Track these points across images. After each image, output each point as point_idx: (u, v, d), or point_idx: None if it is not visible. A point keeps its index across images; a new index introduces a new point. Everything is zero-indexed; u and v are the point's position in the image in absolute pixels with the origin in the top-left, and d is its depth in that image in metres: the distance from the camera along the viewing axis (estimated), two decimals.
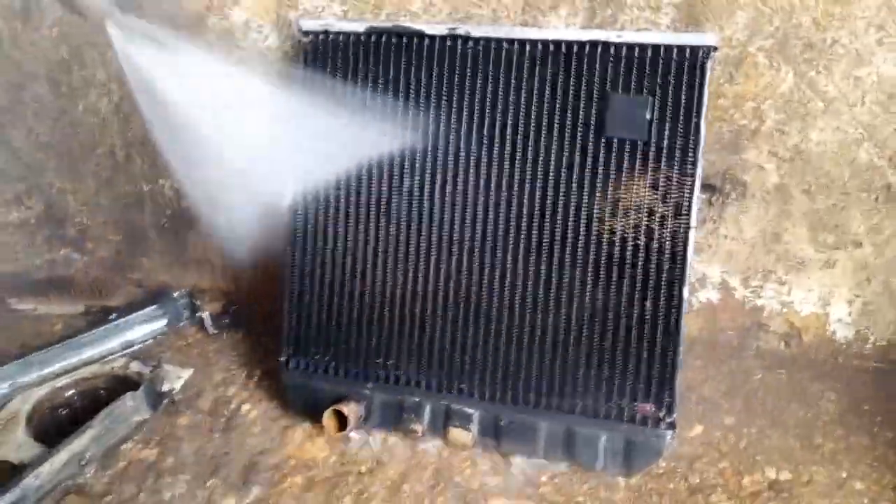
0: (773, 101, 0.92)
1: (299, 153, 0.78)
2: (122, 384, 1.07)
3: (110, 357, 1.11)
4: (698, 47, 0.83)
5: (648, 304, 0.88)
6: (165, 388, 1.05)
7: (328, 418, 0.95)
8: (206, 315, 1.16)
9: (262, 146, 0.76)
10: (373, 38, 0.94)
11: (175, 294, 1.18)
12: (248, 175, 0.75)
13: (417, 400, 0.96)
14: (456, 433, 0.95)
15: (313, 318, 0.99)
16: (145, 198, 1.20)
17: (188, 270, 1.24)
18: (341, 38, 0.95)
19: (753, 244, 1.01)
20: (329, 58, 0.96)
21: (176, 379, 1.07)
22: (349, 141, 0.81)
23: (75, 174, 1.22)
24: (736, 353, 1.11)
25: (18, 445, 0.96)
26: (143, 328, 1.15)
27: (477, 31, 0.90)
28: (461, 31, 0.90)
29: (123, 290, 1.28)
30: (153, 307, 1.17)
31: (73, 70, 1.15)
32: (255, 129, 0.73)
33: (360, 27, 0.94)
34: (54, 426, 1.03)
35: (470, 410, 0.94)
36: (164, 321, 1.17)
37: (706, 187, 0.98)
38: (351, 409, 0.95)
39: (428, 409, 0.96)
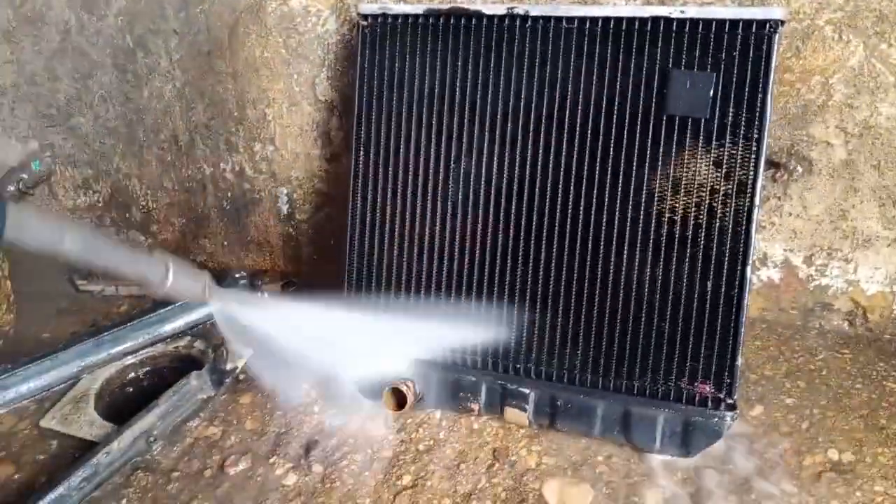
0: (841, 75, 0.89)
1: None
2: (186, 363, 1.11)
3: (175, 336, 1.14)
4: (765, 21, 0.81)
5: (710, 283, 0.87)
6: (229, 366, 1.08)
7: (387, 396, 0.97)
8: (266, 295, 1.19)
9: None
10: (431, 20, 0.94)
11: (236, 275, 1.20)
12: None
13: (474, 379, 0.97)
14: (512, 413, 0.96)
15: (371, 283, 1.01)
16: (207, 181, 1.23)
17: (249, 252, 1.26)
18: (400, 20, 0.96)
19: (819, 221, 0.99)
20: (388, 40, 0.96)
21: (238, 358, 1.09)
22: None
23: (140, 159, 1.25)
24: (798, 333, 1.09)
25: (90, 423, 1.00)
26: (206, 309, 1.17)
27: (536, 10, 0.89)
28: (520, 10, 0.89)
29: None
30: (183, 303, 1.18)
31: (138, 57, 1.18)
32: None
33: (418, 9, 0.94)
34: (123, 404, 1.08)
35: (526, 390, 0.95)
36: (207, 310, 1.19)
37: (770, 164, 0.96)
38: (409, 388, 0.97)
39: (484, 388, 0.97)
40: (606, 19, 0.87)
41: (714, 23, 0.83)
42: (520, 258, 0.94)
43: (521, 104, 0.91)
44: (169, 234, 1.30)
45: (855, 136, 0.92)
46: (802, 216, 0.99)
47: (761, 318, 1.12)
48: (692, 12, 0.83)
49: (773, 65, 0.81)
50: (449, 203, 0.96)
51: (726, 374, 0.88)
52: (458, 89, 0.94)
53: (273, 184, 1.19)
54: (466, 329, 0.96)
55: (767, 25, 0.81)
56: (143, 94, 1.19)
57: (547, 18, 0.89)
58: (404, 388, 0.96)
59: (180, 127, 1.19)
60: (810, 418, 0.97)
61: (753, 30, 0.82)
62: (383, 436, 0.98)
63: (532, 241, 0.93)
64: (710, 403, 0.89)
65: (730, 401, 0.88)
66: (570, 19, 0.88)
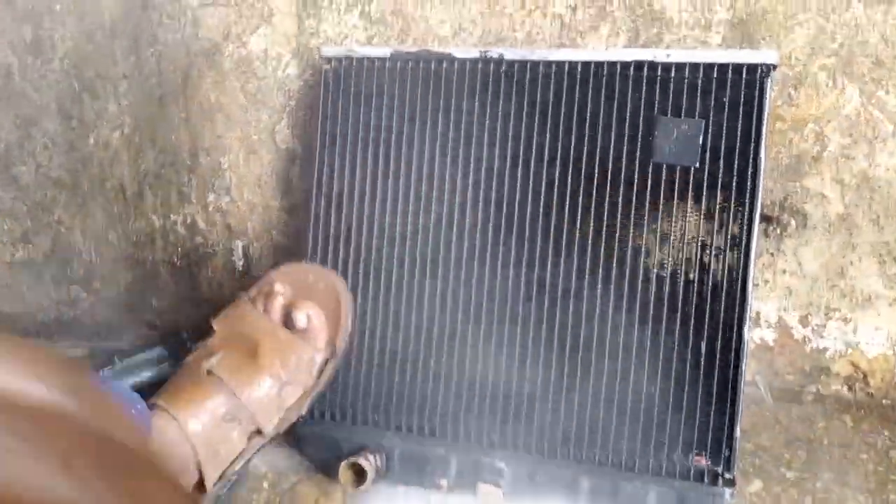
0: (836, 124, 0.84)
1: None
2: None
3: None
4: (756, 65, 0.75)
5: (703, 345, 0.80)
6: None
7: (344, 471, 0.87)
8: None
9: None
10: (399, 64, 0.87)
11: (184, 335, 1.11)
12: None
13: (442, 451, 0.87)
14: (486, 490, 0.86)
15: None
16: (156, 234, 1.14)
17: (201, 309, 1.17)
18: (365, 63, 0.89)
19: (815, 279, 0.93)
20: (352, 84, 0.90)
21: None
22: None
23: (84, 210, 1.16)
24: (796, 399, 1.02)
25: None
26: (150, 371, 1.08)
27: (511, 54, 0.83)
28: (493, 53, 0.83)
29: (132, 331, 1.21)
30: (159, 348, 1.10)
31: (85, 103, 1.10)
32: None
33: (385, 52, 0.87)
34: None
35: (501, 464, 0.86)
36: (168, 366, 1.10)
37: (762, 218, 0.90)
38: (369, 461, 0.87)
39: (454, 461, 0.87)
40: (587, 63, 0.81)
41: (702, 67, 0.77)
42: (494, 317, 0.86)
43: (496, 153, 0.85)
44: (114, 291, 1.20)
45: (852, 188, 0.86)
46: (797, 273, 0.93)
47: (755, 383, 1.04)
48: (678, 56, 0.78)
49: (766, 110, 0.76)
50: (417, 255, 0.88)
51: (724, 445, 0.80)
52: (426, 137, 0.87)
53: (228, 237, 1.11)
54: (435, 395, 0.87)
55: (759, 69, 0.76)
56: (90, 142, 1.11)
57: (523, 63, 0.83)
58: (364, 462, 0.86)
59: (128, 176, 1.11)
60: (813, 493, 0.88)
61: (744, 74, 0.76)
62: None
63: (507, 301, 0.85)
64: (706, 478, 0.80)
65: (728, 476, 0.80)
66: (547, 64, 0.82)
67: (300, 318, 0.81)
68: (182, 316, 1.18)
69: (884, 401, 1.00)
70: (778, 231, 0.92)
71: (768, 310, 0.97)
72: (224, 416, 0.74)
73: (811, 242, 0.91)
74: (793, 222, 0.90)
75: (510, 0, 0.92)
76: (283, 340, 0.79)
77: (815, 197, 0.88)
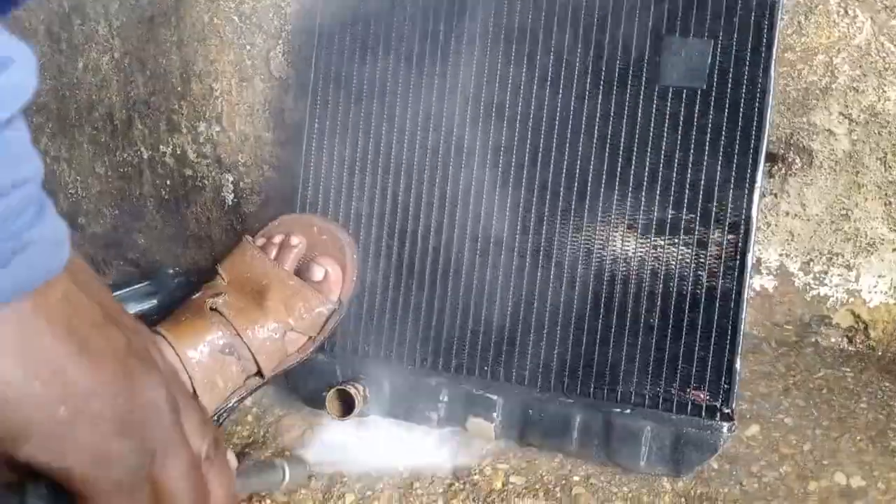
0: (846, 55, 0.82)
1: None
2: None
3: None
4: None
5: (704, 275, 0.77)
6: None
7: (331, 400, 0.84)
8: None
9: None
10: None
11: (170, 271, 1.08)
12: None
13: (433, 383, 0.84)
14: (476, 424, 0.84)
15: None
16: (144, 166, 1.11)
17: (188, 247, 1.14)
18: None
19: (819, 222, 0.90)
20: (349, 9, 0.87)
21: None
22: None
23: (71, 140, 1.13)
24: (793, 350, 0.99)
25: None
26: (136, 305, 1.05)
27: None
28: None
29: (117, 269, 1.18)
30: (143, 284, 1.07)
31: (74, 24, 1.07)
32: None
33: None
34: None
35: (493, 397, 0.83)
36: (154, 301, 1.07)
37: (767, 156, 0.87)
38: (357, 391, 0.84)
39: (445, 394, 0.84)
40: None
41: None
42: (491, 247, 0.83)
43: (497, 75, 0.82)
44: (99, 227, 1.17)
45: (860, 123, 0.84)
46: (801, 215, 0.91)
47: (752, 334, 1.02)
48: None
49: (776, 31, 0.73)
50: (402, 174, 0.85)
51: (724, 378, 0.77)
52: (426, 57, 0.84)
53: (218, 170, 1.08)
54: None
55: None
56: (78, 66, 1.08)
57: None
58: (352, 391, 0.83)
59: (117, 103, 1.08)
60: (812, 439, 0.86)
61: None
62: None
63: (504, 231, 0.82)
64: (704, 413, 0.77)
65: (727, 410, 0.77)
66: None
67: (317, 271, 0.81)
68: (168, 255, 1.15)
69: (886, 353, 0.98)
70: (783, 171, 0.89)
71: (769, 255, 0.95)
72: (223, 349, 0.73)
73: (816, 182, 0.88)
74: (798, 160, 0.88)
75: None
76: (292, 288, 0.79)
77: (821, 133, 0.86)
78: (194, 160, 1.08)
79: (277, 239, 0.83)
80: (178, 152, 1.09)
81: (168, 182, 1.11)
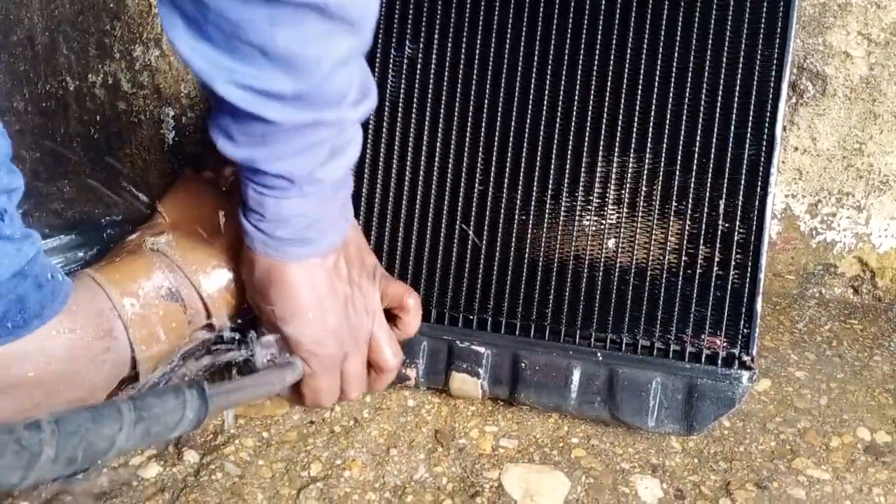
0: None
1: None
2: None
3: None
4: None
5: (722, 202, 0.68)
6: None
7: None
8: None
9: None
10: None
11: (103, 221, 0.94)
12: None
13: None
14: (460, 380, 0.73)
15: None
16: (70, 100, 0.97)
17: (121, 196, 1.00)
18: None
19: (830, 157, 0.83)
20: None
21: None
22: None
23: None
24: (796, 302, 0.92)
25: None
26: (57, 258, 0.91)
27: None
28: None
29: (39, 222, 1.03)
30: (71, 237, 0.92)
31: None
32: None
33: None
34: None
35: (480, 349, 0.72)
36: (80, 253, 0.92)
37: None
38: None
39: (425, 348, 0.73)
40: None
41: None
42: (478, 165, 0.72)
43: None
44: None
45: (880, 44, 0.77)
46: (811, 151, 0.83)
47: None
48: None
49: None
50: (387, 103, 0.74)
51: (743, 322, 0.68)
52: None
53: (157, 103, 0.95)
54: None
55: None
56: None
57: None
58: None
59: (39, 25, 0.93)
60: (828, 393, 0.78)
61: None
62: (284, 415, 0.73)
63: (493, 141, 0.72)
64: (720, 362, 0.68)
65: (746, 358, 0.68)
66: None
67: None
68: (98, 204, 1.01)
69: (893, 303, 0.91)
70: (793, 100, 0.81)
71: (775, 196, 0.87)
72: (166, 295, 0.61)
73: (829, 112, 0.81)
74: (810, 87, 0.80)
75: None
76: None
77: (837, 56, 0.78)
78: (129, 91, 0.95)
79: (229, 170, 0.71)
80: (110, 82, 0.95)
81: (98, 118, 0.97)
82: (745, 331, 0.68)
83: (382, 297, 0.66)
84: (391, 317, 0.68)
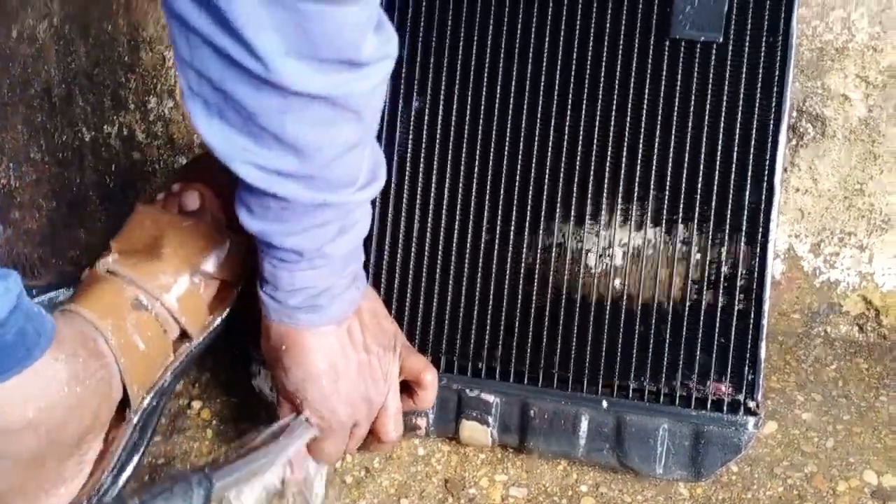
0: (866, 9, 0.76)
1: None
2: None
3: None
4: None
5: (724, 249, 0.70)
6: None
7: None
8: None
9: None
10: None
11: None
12: None
13: None
14: (470, 428, 0.74)
15: None
16: (86, 150, 0.99)
17: None
18: None
19: (831, 198, 0.84)
20: None
21: None
22: None
23: (3, 122, 1.01)
24: (802, 342, 0.92)
25: None
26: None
27: None
28: None
29: (55, 269, 1.05)
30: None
31: None
32: None
33: None
34: None
35: (489, 398, 0.73)
36: None
37: None
38: None
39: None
40: None
41: None
42: (485, 217, 0.74)
43: (490, 34, 0.73)
44: (35, 223, 1.05)
45: (878, 87, 0.78)
46: (812, 191, 0.84)
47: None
48: None
49: None
50: (395, 157, 0.76)
51: (747, 368, 0.69)
52: (409, 10, 0.75)
53: (170, 153, 0.97)
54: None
55: None
56: (12, 35, 0.96)
57: None
58: None
59: (56, 77, 0.96)
60: (835, 436, 0.78)
61: None
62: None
63: (499, 193, 0.74)
64: (726, 408, 0.69)
65: (751, 404, 0.69)
66: None
67: (191, 200, 0.70)
68: None
69: None
70: (794, 142, 0.83)
71: (778, 236, 0.88)
72: (133, 305, 0.63)
73: (829, 153, 0.82)
74: (810, 129, 0.81)
75: None
76: (187, 228, 0.68)
77: (836, 98, 0.80)
78: (143, 141, 0.97)
79: (175, 188, 0.73)
80: (125, 133, 0.98)
81: (113, 167, 0.99)
82: (749, 377, 0.69)
83: (401, 368, 0.68)
84: (406, 387, 0.70)
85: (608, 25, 0.71)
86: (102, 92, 0.96)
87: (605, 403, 0.71)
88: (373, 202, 0.63)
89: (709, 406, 0.70)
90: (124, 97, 0.96)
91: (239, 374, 0.82)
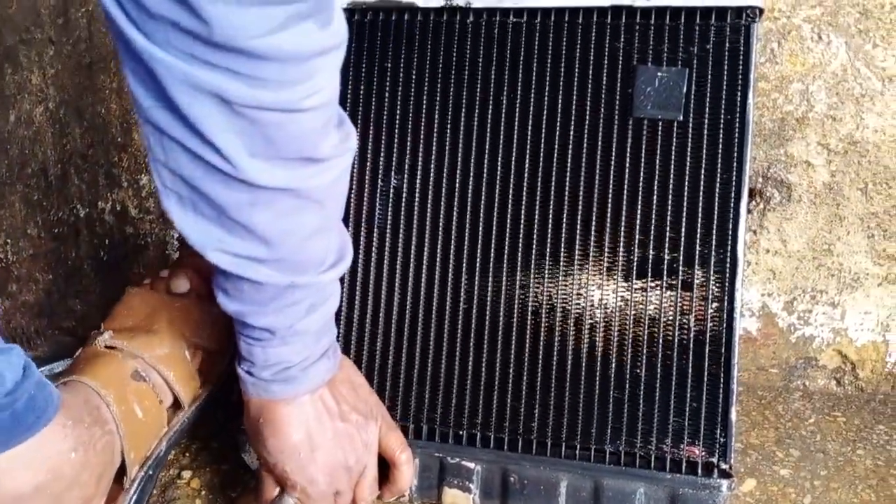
0: (822, 82, 0.79)
1: None
2: None
3: None
4: (741, 9, 0.70)
5: (692, 317, 0.72)
6: None
7: None
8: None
9: None
10: (356, 17, 0.80)
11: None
12: None
13: None
14: (452, 495, 0.76)
15: None
16: (81, 225, 1.03)
17: None
18: None
19: (800, 258, 0.86)
20: None
21: None
22: None
23: (1, 200, 1.04)
24: (781, 396, 0.94)
25: None
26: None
27: (478, 2, 0.76)
28: (460, 1, 0.77)
29: (52, 340, 1.08)
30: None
31: (6, 73, 1.00)
32: None
33: (341, 3, 0.80)
34: None
35: (471, 464, 0.75)
36: None
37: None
38: None
39: (417, 463, 0.76)
40: (561, 10, 0.75)
41: (684, 11, 0.72)
42: (462, 285, 0.77)
43: (462, 114, 0.77)
44: (31, 295, 1.07)
45: (839, 153, 0.81)
46: (782, 252, 0.87)
47: (737, 379, 0.96)
48: (658, 0, 0.72)
49: (752, 57, 0.70)
50: (375, 229, 0.79)
51: (719, 431, 0.71)
52: (386, 96, 0.79)
53: (161, 227, 1.00)
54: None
55: (745, 13, 0.70)
56: (10, 119, 1.00)
57: (492, 11, 0.76)
58: None
59: (52, 158, 1.00)
60: (812, 492, 0.80)
61: (729, 19, 0.71)
62: None
63: (469, 271, 0.76)
64: (700, 471, 0.71)
65: (724, 466, 0.71)
66: (519, 11, 0.76)
67: (180, 283, 0.75)
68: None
69: (875, 395, 0.93)
70: (761, 206, 0.86)
71: (751, 296, 0.90)
72: (132, 376, 0.66)
73: (796, 217, 0.85)
74: (776, 195, 0.84)
75: None
76: (177, 307, 0.73)
77: (799, 165, 0.83)
78: (136, 216, 1.01)
79: (164, 273, 0.78)
80: (119, 209, 1.01)
81: (107, 241, 1.03)
82: (721, 439, 0.71)
83: (378, 443, 0.71)
84: (382, 465, 0.72)
85: (574, 105, 0.74)
86: (96, 171, 1.00)
87: (583, 467, 0.73)
88: (342, 279, 0.66)
89: (683, 469, 0.71)
90: (117, 175, 1.00)
91: (228, 442, 0.84)
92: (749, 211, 0.86)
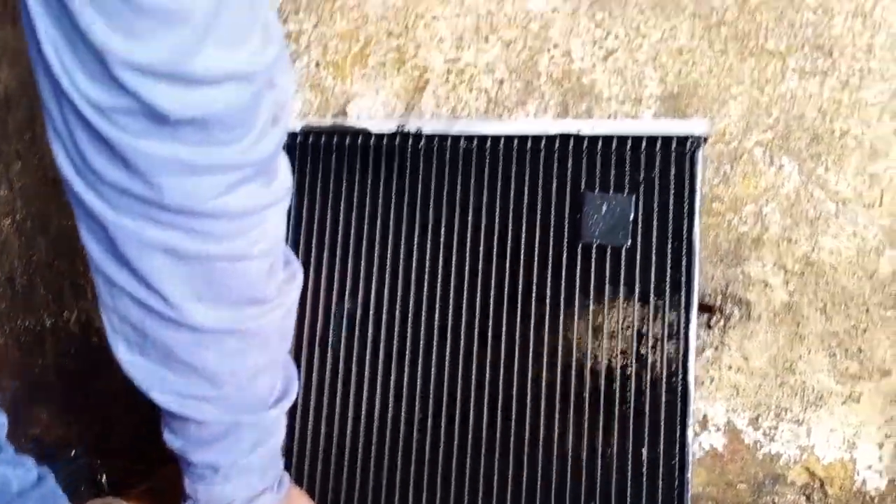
0: (776, 204, 0.79)
1: None
2: None
3: None
4: (686, 137, 0.71)
5: (645, 450, 0.71)
6: None
7: None
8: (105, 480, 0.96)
9: None
10: (311, 140, 0.81)
11: (72, 453, 0.98)
12: None
13: None
14: None
15: None
16: (47, 335, 1.03)
17: (94, 423, 1.04)
18: None
19: (763, 375, 0.85)
20: None
21: None
22: None
23: None
24: None
25: None
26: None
27: (429, 128, 0.78)
28: (411, 127, 0.78)
29: (17, 446, 1.06)
30: (42, 467, 0.96)
31: None
32: None
33: (295, 127, 0.81)
34: None
35: None
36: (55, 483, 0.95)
37: (703, 308, 0.83)
38: None
39: None
40: (509, 137, 0.76)
41: (630, 139, 0.73)
42: (416, 409, 0.76)
43: (415, 239, 0.77)
44: None
45: (795, 274, 0.81)
46: (744, 369, 0.86)
47: (706, 494, 0.94)
48: (605, 128, 0.73)
49: (698, 184, 0.71)
50: (329, 349, 0.78)
51: None
52: (340, 220, 0.79)
53: None
54: None
55: (689, 141, 0.71)
56: None
57: (443, 137, 0.77)
58: None
59: (19, 268, 1.01)
60: None
61: (674, 146, 0.72)
62: None
63: (422, 406, 0.76)
64: None
65: None
66: (468, 138, 0.77)
67: None
68: (73, 430, 1.04)
69: None
70: (721, 323, 0.85)
71: (716, 412, 0.88)
72: None
73: (757, 335, 0.84)
74: (736, 312, 0.84)
75: (434, 75, 0.88)
76: None
77: (757, 284, 0.82)
78: (100, 326, 1.00)
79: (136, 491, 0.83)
80: (83, 318, 1.01)
81: (72, 350, 1.02)
82: None
83: None
84: None
85: (524, 230, 0.75)
86: (62, 282, 1.00)
87: None
88: (291, 412, 0.65)
89: None
90: (82, 286, 1.00)
91: None
92: (709, 326, 0.85)
